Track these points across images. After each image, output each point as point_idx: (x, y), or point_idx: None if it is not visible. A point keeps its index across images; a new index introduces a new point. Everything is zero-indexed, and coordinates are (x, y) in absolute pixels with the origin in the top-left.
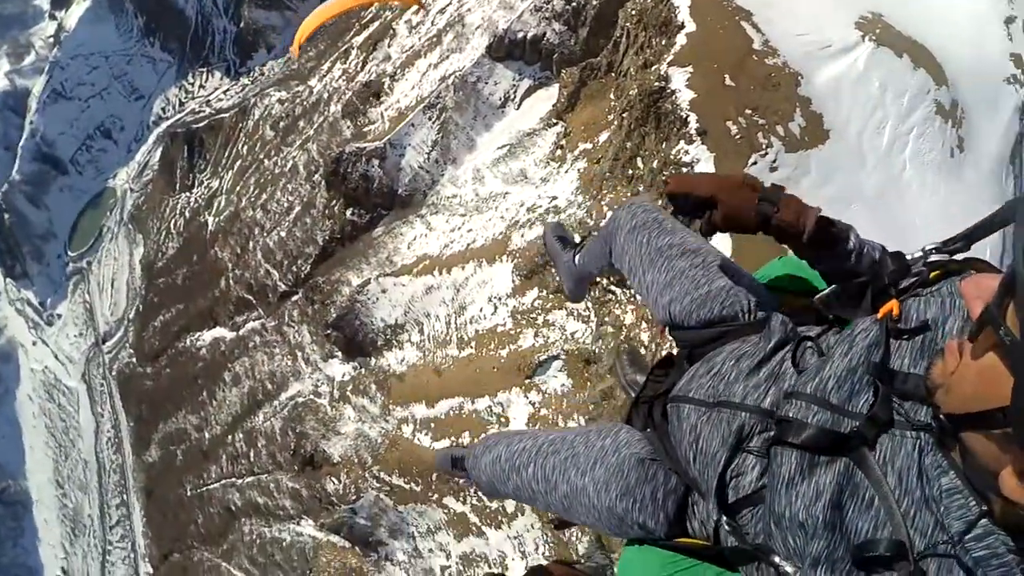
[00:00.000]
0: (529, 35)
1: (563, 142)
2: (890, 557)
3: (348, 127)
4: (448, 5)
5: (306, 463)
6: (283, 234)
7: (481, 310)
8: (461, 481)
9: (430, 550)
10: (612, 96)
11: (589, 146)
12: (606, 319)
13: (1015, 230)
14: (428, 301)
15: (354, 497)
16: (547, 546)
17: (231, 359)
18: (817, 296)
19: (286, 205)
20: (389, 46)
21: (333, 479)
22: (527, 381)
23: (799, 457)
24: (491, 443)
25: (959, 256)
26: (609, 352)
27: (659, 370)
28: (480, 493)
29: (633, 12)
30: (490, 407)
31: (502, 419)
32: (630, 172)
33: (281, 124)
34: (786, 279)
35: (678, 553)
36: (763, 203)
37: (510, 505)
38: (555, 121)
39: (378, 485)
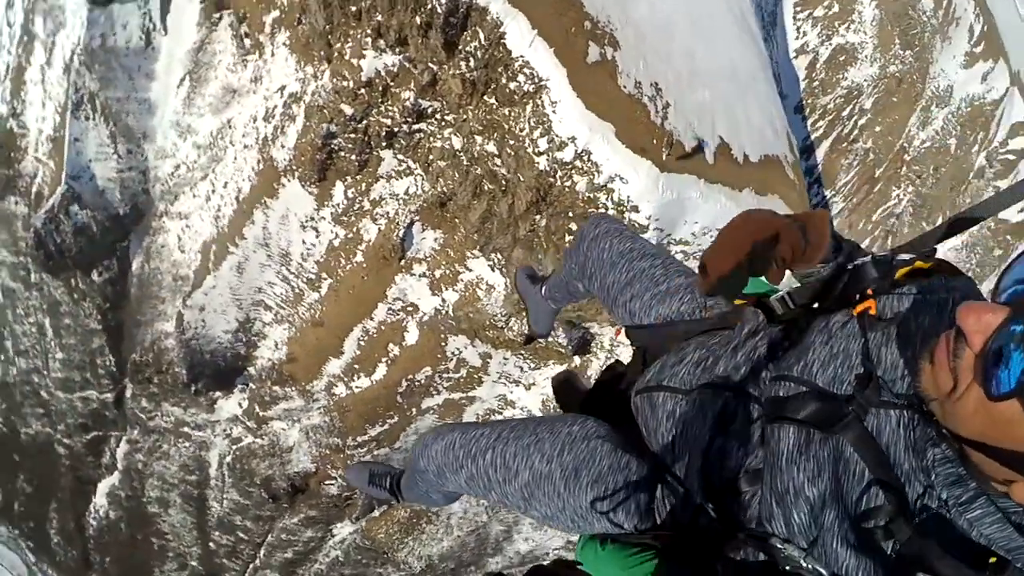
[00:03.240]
0: None
1: (244, 29)
2: (890, 525)
3: (15, 202)
4: None
5: (293, 495)
6: (59, 356)
7: (304, 242)
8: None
9: None
10: None
11: (277, 13)
12: (430, 158)
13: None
14: (249, 278)
15: None
16: (528, 363)
17: (140, 494)
18: (785, 292)
19: (34, 329)
20: None
21: (327, 482)
22: (401, 262)
23: (798, 432)
24: (444, 431)
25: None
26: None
27: (600, 381)
28: (408, 497)
29: None
30: (390, 308)
31: (408, 308)
32: (354, 8)
33: None
34: None
35: (636, 549)
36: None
37: (475, 359)
38: (218, 16)
39: (364, 450)
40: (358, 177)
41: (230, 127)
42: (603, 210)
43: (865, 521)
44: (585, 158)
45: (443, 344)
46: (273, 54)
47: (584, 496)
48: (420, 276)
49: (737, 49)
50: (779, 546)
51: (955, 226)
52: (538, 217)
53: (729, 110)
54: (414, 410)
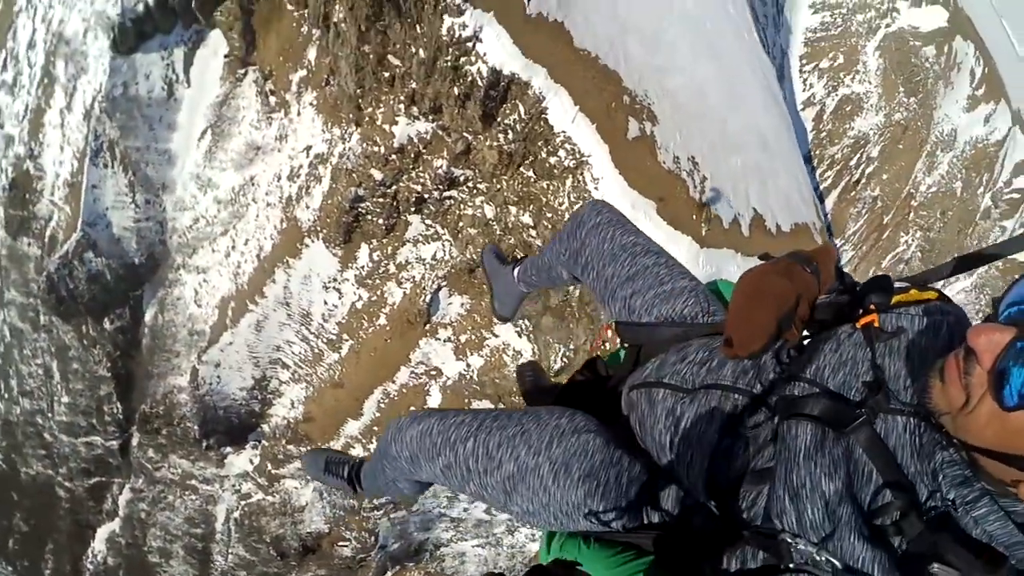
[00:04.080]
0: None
1: (269, 86)
2: (901, 521)
3: (28, 244)
4: (34, 34)
5: (303, 554)
6: (65, 400)
7: (326, 303)
8: (346, 490)
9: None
10: (292, 5)
11: (304, 72)
12: (459, 224)
13: None
14: (268, 336)
15: (372, 538)
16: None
17: (141, 542)
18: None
19: (41, 371)
20: None
21: (340, 543)
22: (427, 327)
23: (815, 430)
24: (421, 415)
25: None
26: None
27: (586, 371)
28: (369, 488)
29: None
30: (413, 372)
31: (432, 372)
32: (388, 74)
33: None
34: (727, 294)
35: (620, 548)
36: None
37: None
38: (243, 72)
39: (380, 512)
40: (384, 240)
41: (253, 184)
42: None
43: (877, 517)
44: None
45: (467, 403)
46: (299, 113)
47: (575, 491)
48: (445, 341)
49: (763, 113)
50: (789, 541)
51: (961, 265)
52: (573, 290)
53: (761, 177)
54: None
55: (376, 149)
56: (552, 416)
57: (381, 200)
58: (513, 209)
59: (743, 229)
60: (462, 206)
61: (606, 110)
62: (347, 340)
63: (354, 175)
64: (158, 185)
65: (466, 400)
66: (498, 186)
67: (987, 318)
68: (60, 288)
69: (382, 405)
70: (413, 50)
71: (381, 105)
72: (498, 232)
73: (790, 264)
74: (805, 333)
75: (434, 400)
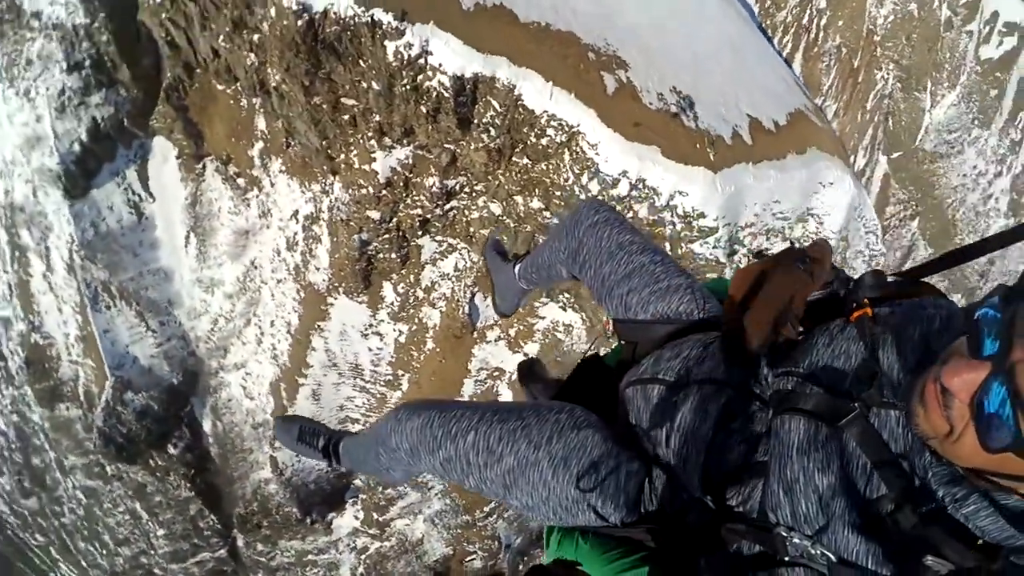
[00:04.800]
0: (82, 136)
1: (233, 170)
2: (895, 514)
3: (66, 408)
4: None
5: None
6: (161, 533)
7: (370, 349)
8: (320, 462)
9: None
10: (221, 85)
11: (261, 144)
12: (470, 230)
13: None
14: (327, 400)
15: (496, 543)
16: None
17: None
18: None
19: (127, 516)
20: None
21: (468, 559)
22: (474, 335)
23: (807, 424)
24: (420, 407)
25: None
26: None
27: (586, 367)
28: (354, 467)
29: None
30: (477, 380)
31: (495, 374)
32: (347, 117)
33: None
34: (722, 290)
35: (618, 548)
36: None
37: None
38: (200, 166)
39: (494, 516)
40: (403, 272)
41: (255, 267)
42: (670, 227)
43: (871, 510)
44: (640, 186)
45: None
46: (273, 184)
47: (574, 486)
48: (496, 340)
49: (721, 17)
50: (784, 534)
51: (949, 260)
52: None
53: (742, 80)
54: None
55: (364, 191)
56: (552, 411)
57: (386, 236)
58: (519, 199)
59: (745, 138)
60: (467, 212)
61: (577, 74)
62: (403, 375)
63: (351, 223)
64: (164, 304)
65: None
66: (496, 182)
67: (963, 331)
68: (114, 437)
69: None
70: (365, 85)
71: (352, 147)
72: (512, 224)
73: (785, 262)
74: (800, 328)
75: (506, 399)
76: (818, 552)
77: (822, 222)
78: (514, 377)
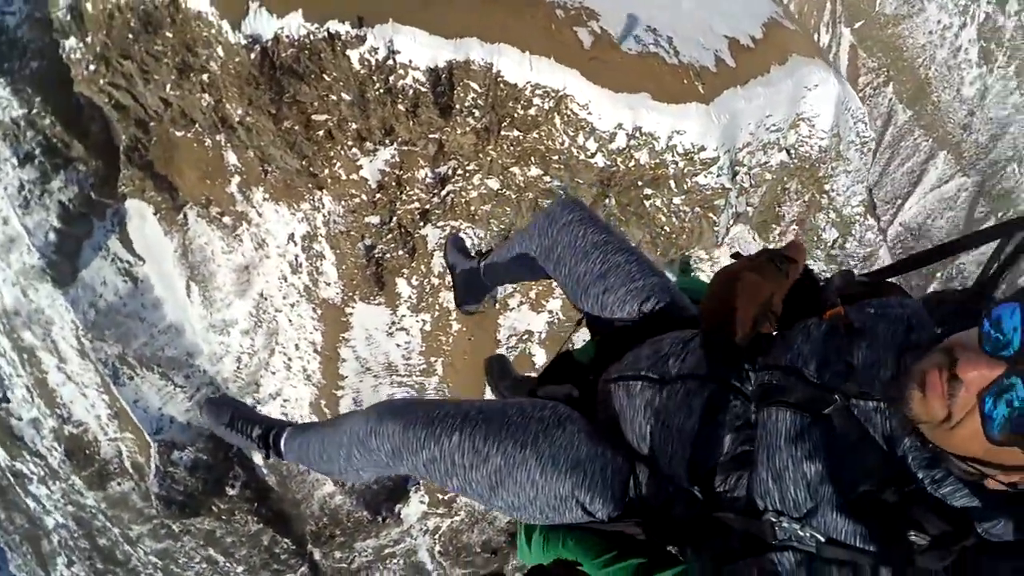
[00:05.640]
0: (54, 223)
1: (216, 211)
2: (879, 494)
3: (118, 484)
4: None
5: (512, 536)
6: (241, 569)
7: (399, 345)
8: (263, 456)
9: None
10: (180, 131)
11: (238, 178)
12: (471, 209)
13: None
14: (368, 402)
15: None
16: None
17: None
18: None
19: (205, 564)
20: None
21: None
22: (496, 307)
23: (794, 415)
24: (399, 408)
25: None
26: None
27: (552, 371)
28: (311, 466)
29: None
30: (508, 347)
31: (524, 337)
32: (322, 132)
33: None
34: (692, 289)
35: (603, 546)
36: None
37: None
38: (181, 216)
39: None
40: (414, 264)
41: (265, 298)
42: (673, 166)
43: (857, 493)
44: (638, 135)
45: (572, 343)
46: (260, 214)
47: (563, 484)
48: (519, 306)
49: None
50: (774, 519)
51: (916, 262)
52: (606, 201)
53: (712, 2)
54: None
55: (357, 199)
56: (536, 409)
57: (390, 236)
58: (516, 169)
59: (729, 62)
60: (464, 193)
61: (550, 36)
62: (436, 360)
63: (351, 232)
64: (184, 358)
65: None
66: (488, 158)
67: (955, 313)
68: (173, 497)
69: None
70: (335, 99)
71: (334, 160)
72: (513, 196)
73: (762, 261)
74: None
75: (540, 358)
76: (807, 534)
77: (813, 124)
78: (544, 336)
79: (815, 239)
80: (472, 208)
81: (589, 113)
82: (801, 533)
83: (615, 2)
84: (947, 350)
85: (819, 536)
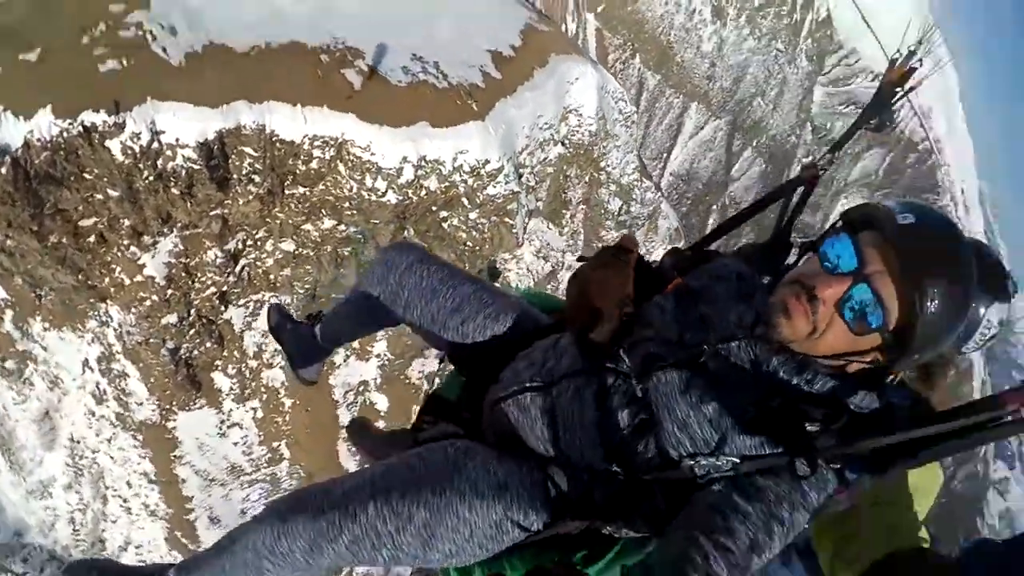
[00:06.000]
0: None
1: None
2: (767, 404)
3: None
4: None
5: None
6: None
7: (236, 444)
8: None
9: None
10: None
11: (10, 313)
12: (271, 277)
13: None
14: (227, 515)
15: None
16: None
17: None
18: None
19: None
20: None
21: None
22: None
23: (678, 372)
24: (296, 500)
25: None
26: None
27: (426, 416)
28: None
29: None
30: (349, 404)
31: (360, 388)
32: (93, 237)
33: None
34: (538, 300)
35: (549, 548)
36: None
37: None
38: None
39: None
40: (225, 354)
41: (77, 442)
42: (462, 186)
43: (750, 413)
44: (424, 164)
45: (407, 379)
46: (45, 347)
47: (494, 510)
48: (345, 361)
49: None
50: (691, 462)
51: (722, 230)
52: (405, 233)
53: (470, 17)
54: None
55: (147, 302)
56: (435, 452)
57: (192, 331)
58: (308, 226)
59: (495, 74)
60: (260, 263)
61: (320, 83)
62: (279, 445)
63: (150, 340)
64: (13, 540)
65: (402, 376)
66: (277, 221)
67: (803, 250)
68: None
69: (351, 448)
70: (101, 197)
71: (113, 265)
72: (311, 253)
73: (604, 259)
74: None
75: (383, 404)
76: (723, 462)
77: (580, 113)
78: (380, 380)
79: (602, 212)
80: (272, 277)
81: (372, 154)
82: (718, 463)
83: (376, 37)
84: (794, 282)
85: (734, 459)
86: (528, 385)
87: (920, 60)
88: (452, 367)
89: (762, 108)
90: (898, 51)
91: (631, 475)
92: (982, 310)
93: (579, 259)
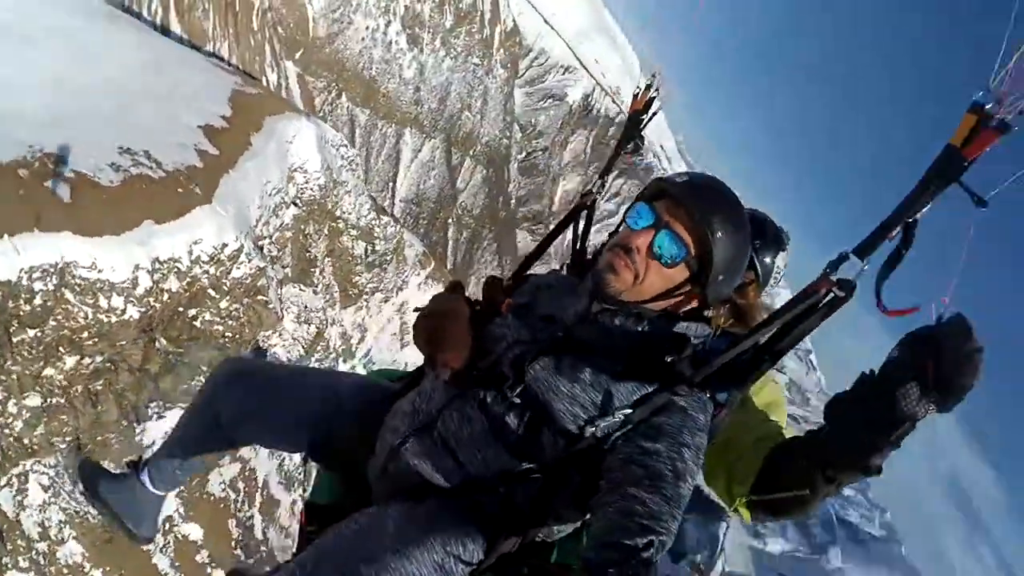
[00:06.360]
0: None
1: None
2: (630, 360)
3: None
4: None
5: None
6: None
7: None
8: None
9: None
10: None
11: None
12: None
13: None
14: None
15: None
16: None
17: None
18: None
19: None
20: None
21: None
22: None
23: (546, 359)
24: None
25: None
26: None
27: (309, 527)
28: None
29: None
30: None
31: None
32: None
33: None
34: (385, 375)
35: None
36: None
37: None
38: None
39: None
40: (10, 547)
41: None
42: (205, 277)
43: (618, 365)
44: (159, 266)
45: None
46: None
47: (433, 552)
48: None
49: (111, 45)
50: (592, 428)
51: (531, 258)
52: (156, 344)
53: (173, 97)
54: None
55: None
56: (349, 527)
57: None
58: (49, 371)
59: (211, 151)
60: (8, 430)
61: (24, 203)
62: None
63: None
64: None
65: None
66: (12, 376)
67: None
68: None
69: None
70: None
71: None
72: (62, 400)
73: (440, 301)
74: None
75: (197, 533)
76: (618, 416)
77: (306, 169)
78: (184, 510)
79: (349, 259)
80: (26, 441)
81: (99, 271)
82: (614, 419)
83: (75, 135)
84: (614, 246)
85: (626, 410)
86: (413, 431)
87: (657, 89)
88: (315, 466)
89: (471, 120)
90: (638, 86)
91: (543, 467)
92: (768, 259)
93: (416, 310)
